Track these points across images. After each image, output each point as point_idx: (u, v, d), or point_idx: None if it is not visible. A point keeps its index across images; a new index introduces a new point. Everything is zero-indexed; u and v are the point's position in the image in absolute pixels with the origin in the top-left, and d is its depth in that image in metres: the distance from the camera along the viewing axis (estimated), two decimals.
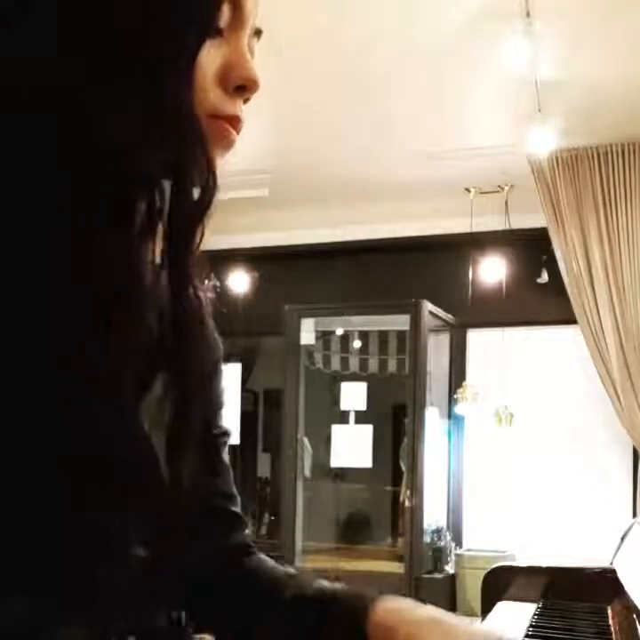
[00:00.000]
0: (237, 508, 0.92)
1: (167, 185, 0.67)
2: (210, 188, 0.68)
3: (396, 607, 0.79)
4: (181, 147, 0.66)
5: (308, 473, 7.43)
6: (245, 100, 0.72)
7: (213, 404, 0.88)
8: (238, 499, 0.92)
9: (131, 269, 0.64)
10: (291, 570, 0.90)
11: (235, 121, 0.71)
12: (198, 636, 0.88)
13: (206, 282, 0.76)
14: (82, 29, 0.64)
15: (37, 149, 0.62)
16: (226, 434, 0.91)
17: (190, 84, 0.67)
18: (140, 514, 0.68)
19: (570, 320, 5.76)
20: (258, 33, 0.74)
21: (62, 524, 0.62)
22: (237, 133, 0.72)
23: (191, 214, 0.67)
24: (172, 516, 0.71)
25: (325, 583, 0.85)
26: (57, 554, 0.62)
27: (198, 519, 0.80)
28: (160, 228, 0.67)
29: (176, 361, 0.70)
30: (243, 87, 0.71)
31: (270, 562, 0.91)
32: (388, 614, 0.78)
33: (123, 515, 0.65)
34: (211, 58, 0.68)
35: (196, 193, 0.68)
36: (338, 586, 0.84)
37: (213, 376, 0.86)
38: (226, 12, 0.70)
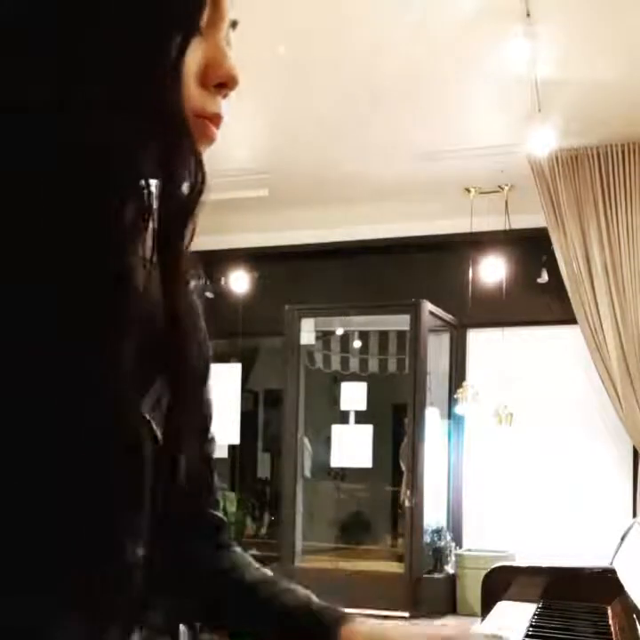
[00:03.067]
0: (219, 512, 0.96)
1: (157, 183, 0.67)
2: (198, 185, 0.67)
3: (362, 624, 0.84)
4: (171, 146, 0.66)
5: (308, 473, 7.43)
6: (224, 96, 0.72)
7: (205, 410, 0.87)
8: (220, 502, 0.97)
9: (121, 268, 0.64)
10: (262, 571, 0.93)
11: (216, 119, 0.71)
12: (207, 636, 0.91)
13: (196, 282, 0.76)
14: (73, 31, 0.64)
15: (26, 149, 0.61)
16: (214, 441, 0.93)
17: (179, 84, 0.67)
18: (140, 512, 0.68)
19: (570, 320, 5.77)
20: (234, 24, 0.73)
21: (61, 521, 0.62)
22: (217, 130, 0.72)
23: (181, 212, 0.67)
24: (171, 516, 0.72)
25: (299, 591, 0.89)
26: (56, 550, 0.62)
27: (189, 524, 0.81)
28: (151, 227, 0.67)
29: (170, 362, 0.70)
30: (223, 84, 0.70)
31: (245, 559, 0.95)
32: (356, 628, 0.82)
33: (123, 512, 0.66)
34: (192, 56, 0.68)
35: (184, 191, 0.68)
36: (309, 596, 0.88)
37: (205, 379, 0.85)
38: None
